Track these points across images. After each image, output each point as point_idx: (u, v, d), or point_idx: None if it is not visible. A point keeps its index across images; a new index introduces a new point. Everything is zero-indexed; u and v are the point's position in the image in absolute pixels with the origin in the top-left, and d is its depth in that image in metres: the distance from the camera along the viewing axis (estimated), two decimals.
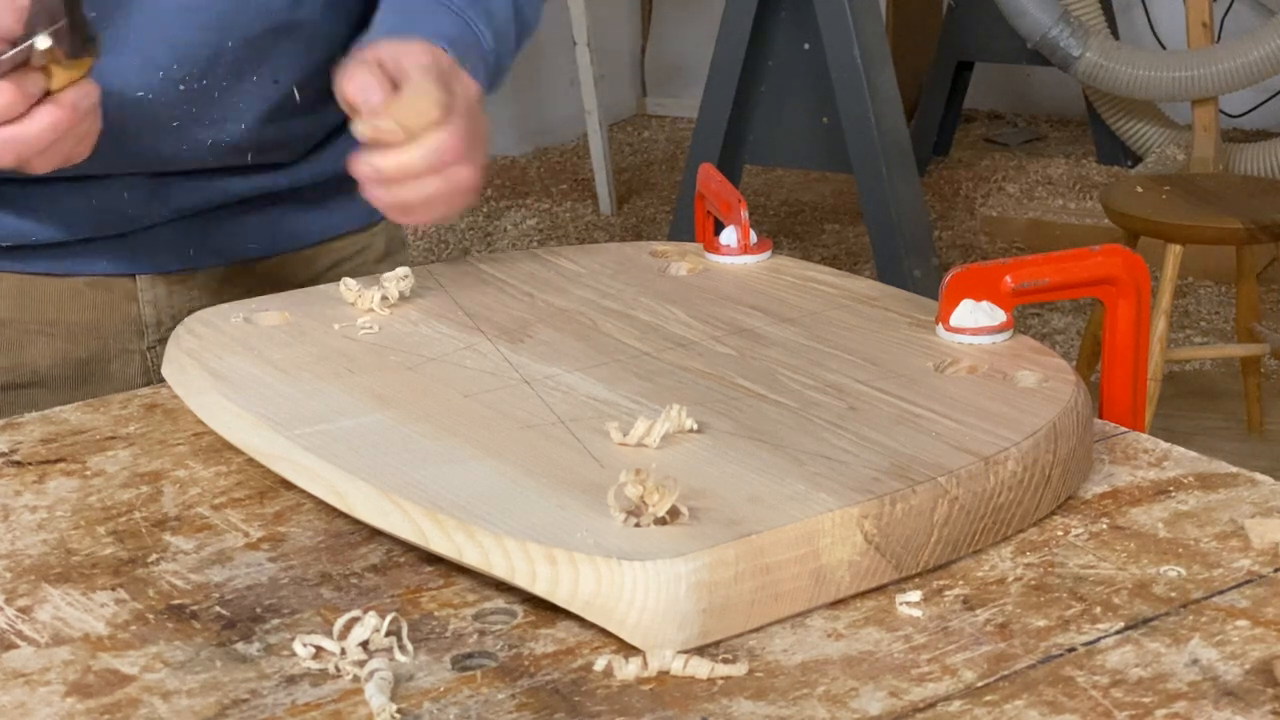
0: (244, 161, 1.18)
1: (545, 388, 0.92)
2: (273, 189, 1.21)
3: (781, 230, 4.44)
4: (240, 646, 0.73)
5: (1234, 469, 0.88)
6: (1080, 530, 0.82)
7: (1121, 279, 0.97)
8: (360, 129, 1.00)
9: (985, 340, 0.96)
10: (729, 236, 1.13)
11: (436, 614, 0.75)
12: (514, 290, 1.08)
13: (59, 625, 0.75)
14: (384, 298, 1.04)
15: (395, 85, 1.01)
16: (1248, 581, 0.77)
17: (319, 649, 0.72)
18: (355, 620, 0.72)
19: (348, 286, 1.05)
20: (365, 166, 1.01)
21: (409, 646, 0.72)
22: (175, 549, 0.82)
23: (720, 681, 0.70)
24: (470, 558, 0.76)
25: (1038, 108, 5.40)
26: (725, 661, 0.71)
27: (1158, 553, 0.80)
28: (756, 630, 0.74)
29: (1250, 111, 4.92)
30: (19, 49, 0.94)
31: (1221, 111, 4.39)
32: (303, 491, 0.85)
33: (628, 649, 0.72)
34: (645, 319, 1.02)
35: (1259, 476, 0.87)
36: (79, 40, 0.96)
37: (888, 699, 0.68)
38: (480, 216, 4.63)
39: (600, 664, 0.71)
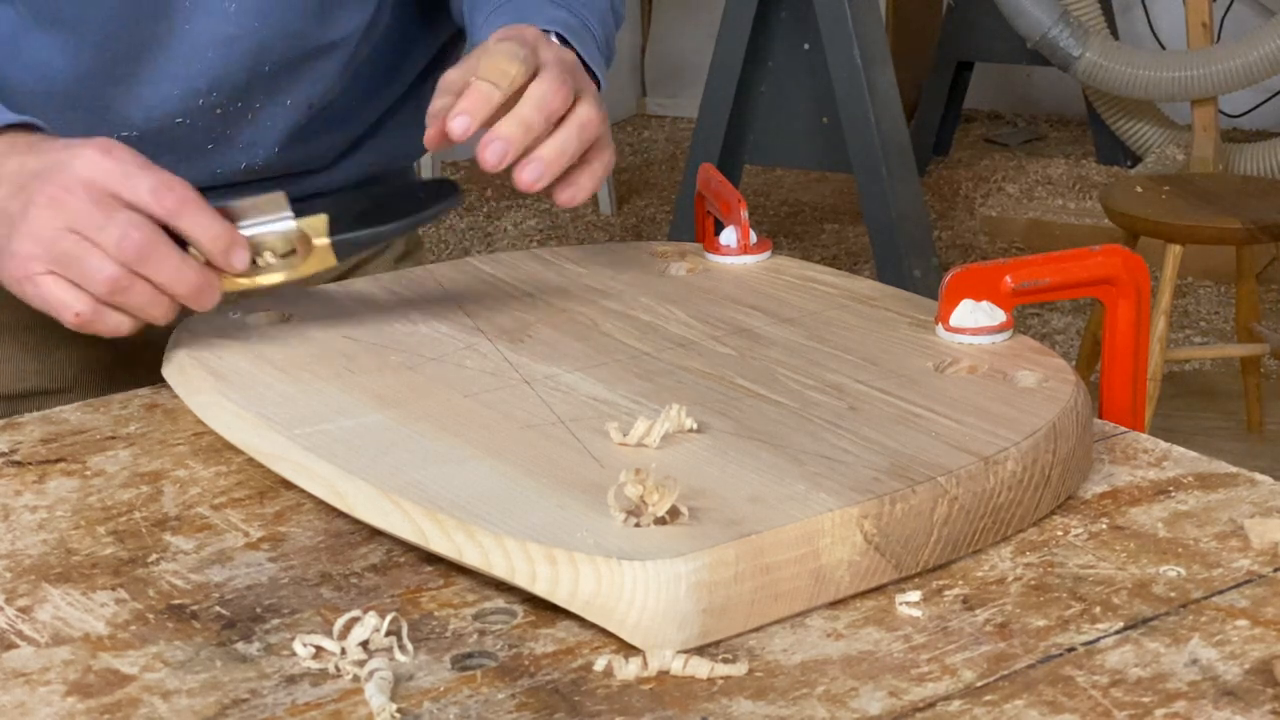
0: (273, 174, 1.18)
1: (545, 388, 0.92)
2: (299, 195, 1.21)
3: (781, 230, 4.44)
4: (240, 646, 0.73)
5: (1234, 469, 0.88)
6: (1080, 530, 0.82)
7: (1121, 279, 0.97)
8: (454, 126, 0.96)
9: (985, 340, 0.96)
10: (729, 236, 1.13)
11: (436, 614, 0.75)
12: (514, 290, 1.08)
13: (59, 625, 0.75)
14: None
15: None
16: (1247, 581, 0.77)
17: (319, 649, 0.72)
18: (355, 620, 0.72)
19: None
20: (490, 149, 0.96)
21: (409, 646, 0.72)
22: (175, 549, 0.82)
23: (720, 681, 0.70)
24: (470, 558, 0.76)
25: (1037, 108, 5.40)
26: (725, 661, 0.71)
27: (1157, 553, 0.80)
28: (756, 630, 0.74)
29: (1250, 111, 4.92)
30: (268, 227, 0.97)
31: (1221, 111, 4.39)
32: (303, 491, 0.85)
33: (628, 649, 0.72)
34: (645, 319, 1.02)
35: (1258, 476, 0.87)
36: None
37: (887, 699, 0.68)
38: (480, 217, 4.63)
39: (600, 664, 0.71)
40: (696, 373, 0.94)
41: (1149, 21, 5.02)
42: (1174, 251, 2.95)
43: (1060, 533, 0.82)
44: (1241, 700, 0.68)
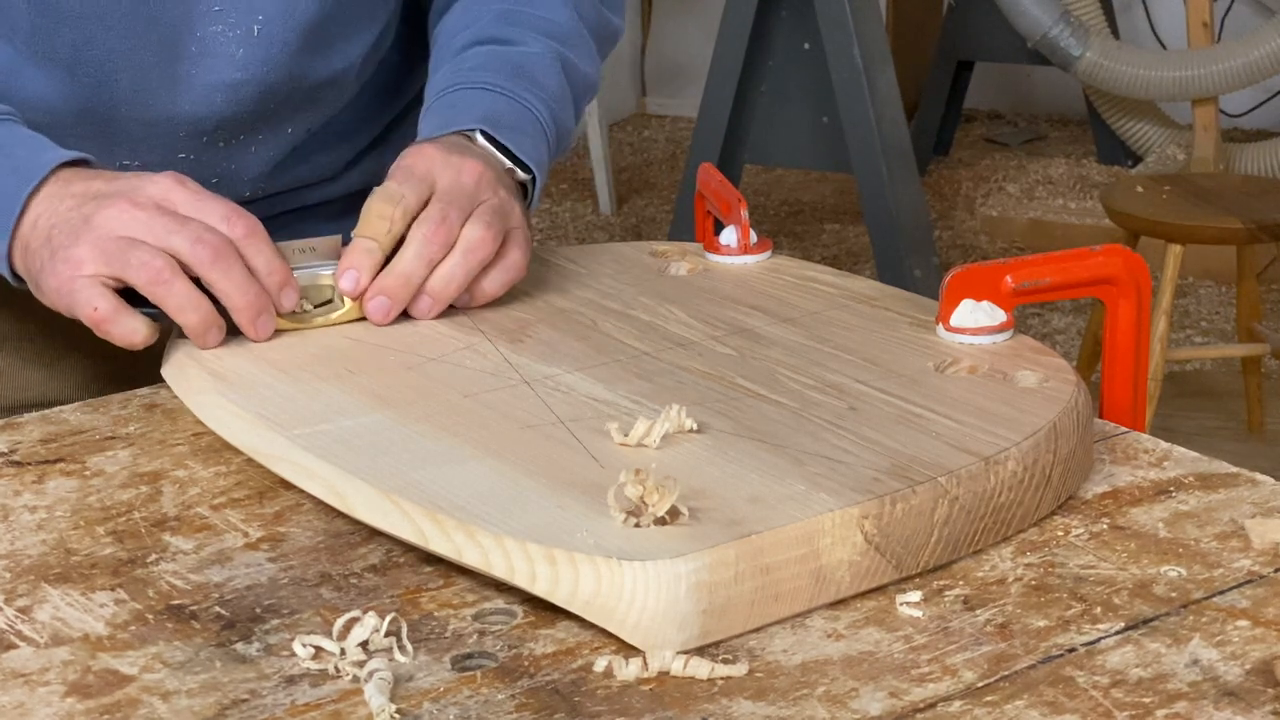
0: (275, 191, 1.19)
1: (545, 388, 0.92)
2: (300, 205, 1.21)
3: (781, 230, 4.44)
4: (240, 647, 0.73)
5: (1234, 469, 0.88)
6: (1080, 530, 0.82)
7: (1122, 279, 0.97)
8: (344, 283, 1.00)
9: (985, 340, 0.96)
10: (729, 236, 1.13)
11: (436, 614, 0.75)
12: (514, 290, 1.08)
13: (58, 625, 0.75)
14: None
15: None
16: (1248, 582, 0.77)
17: (318, 649, 0.72)
18: (355, 620, 0.72)
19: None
20: (372, 304, 1.00)
21: (409, 647, 0.72)
22: (175, 549, 0.82)
23: (720, 682, 0.70)
24: (470, 558, 0.76)
25: (1038, 107, 5.40)
26: (725, 662, 0.71)
27: (1158, 553, 0.80)
28: (756, 630, 0.74)
29: (1251, 111, 4.92)
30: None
31: (1222, 111, 4.39)
32: (302, 491, 0.85)
33: (628, 649, 0.72)
34: (645, 319, 1.02)
35: (1259, 476, 0.87)
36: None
37: (888, 699, 0.68)
38: None
39: (600, 664, 0.71)
40: (696, 373, 0.94)
41: (1150, 21, 5.01)
42: (1175, 251, 2.95)
43: (1061, 533, 0.82)
44: (1242, 701, 0.67)
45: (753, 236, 1.13)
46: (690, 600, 0.71)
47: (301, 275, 1.00)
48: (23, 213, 0.97)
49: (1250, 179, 3.35)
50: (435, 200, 1.01)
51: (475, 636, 0.73)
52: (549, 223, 4.59)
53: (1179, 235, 2.93)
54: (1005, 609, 0.75)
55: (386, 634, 0.72)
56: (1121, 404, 0.98)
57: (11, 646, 0.73)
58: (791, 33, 3.44)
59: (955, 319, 0.96)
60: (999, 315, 0.96)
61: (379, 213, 1.01)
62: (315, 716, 0.68)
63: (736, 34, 3.46)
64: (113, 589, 0.78)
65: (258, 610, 0.76)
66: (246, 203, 1.16)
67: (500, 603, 0.76)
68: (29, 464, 0.91)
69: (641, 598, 0.71)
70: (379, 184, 1.26)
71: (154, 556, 0.81)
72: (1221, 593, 0.76)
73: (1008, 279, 0.97)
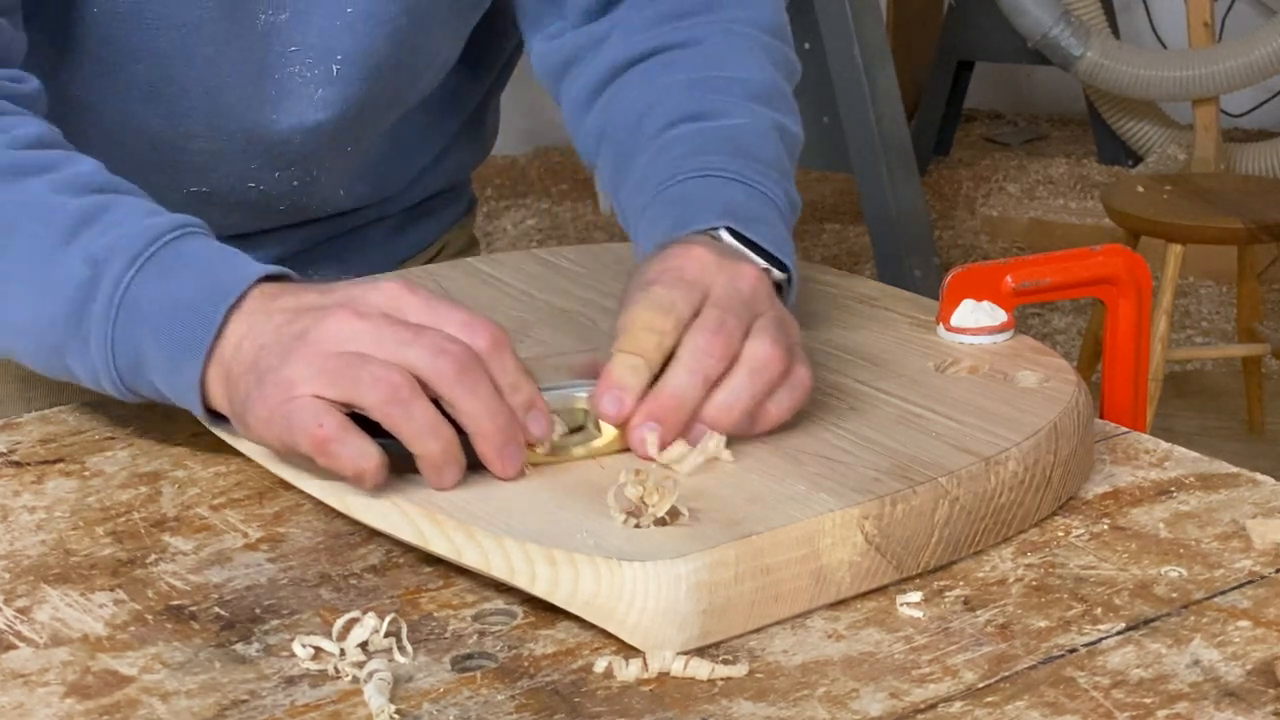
0: (339, 212, 1.17)
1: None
2: (359, 224, 1.20)
3: None
4: (239, 647, 0.73)
5: (1235, 469, 0.88)
6: (1081, 531, 0.82)
7: (1122, 279, 0.97)
8: (604, 407, 0.83)
9: (986, 340, 0.95)
10: None
11: (436, 615, 0.75)
12: (514, 290, 1.08)
13: (58, 626, 0.75)
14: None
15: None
16: (1249, 582, 0.77)
17: (318, 650, 0.72)
18: (354, 621, 0.72)
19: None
20: (638, 433, 0.82)
21: (408, 647, 0.72)
22: (174, 549, 0.82)
23: (720, 682, 0.70)
24: (470, 558, 0.75)
25: (1038, 107, 5.40)
26: (725, 662, 0.70)
27: (1159, 553, 0.80)
28: (757, 631, 0.73)
29: (1251, 111, 4.92)
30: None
31: (1222, 111, 4.39)
32: (302, 492, 0.85)
33: (628, 650, 0.72)
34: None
35: (1260, 477, 0.87)
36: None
37: (888, 700, 0.68)
38: (480, 217, 4.62)
39: (600, 665, 0.71)
40: None
41: (1150, 21, 5.01)
42: (1175, 251, 2.95)
43: (1061, 533, 0.82)
44: (1243, 701, 0.67)
45: None
46: (690, 601, 0.71)
47: (552, 397, 0.83)
48: (221, 335, 0.82)
49: (1251, 179, 3.35)
50: (710, 307, 0.84)
51: (475, 637, 0.73)
52: (549, 223, 4.59)
53: (1179, 235, 2.93)
54: (1006, 609, 0.75)
55: (386, 634, 0.72)
56: (1122, 404, 0.98)
57: (11, 647, 0.73)
58: (792, 33, 3.43)
59: (956, 319, 0.96)
60: (999, 315, 0.96)
61: (646, 324, 0.83)
62: (315, 717, 0.68)
63: None
64: (112, 589, 0.78)
65: (257, 611, 0.76)
66: (307, 223, 1.16)
67: (500, 603, 0.76)
68: (28, 464, 0.91)
69: (641, 598, 0.71)
70: (441, 189, 1.23)
71: (153, 557, 0.81)
72: (1222, 593, 0.76)
73: (1008, 279, 0.97)
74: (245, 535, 0.83)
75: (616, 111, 1.06)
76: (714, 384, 0.82)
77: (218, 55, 1.03)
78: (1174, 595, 0.76)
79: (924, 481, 0.78)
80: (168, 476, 0.90)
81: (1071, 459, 0.84)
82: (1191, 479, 0.87)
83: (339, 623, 0.72)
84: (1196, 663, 0.70)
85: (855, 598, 0.76)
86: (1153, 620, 0.74)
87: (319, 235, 1.17)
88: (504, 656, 0.72)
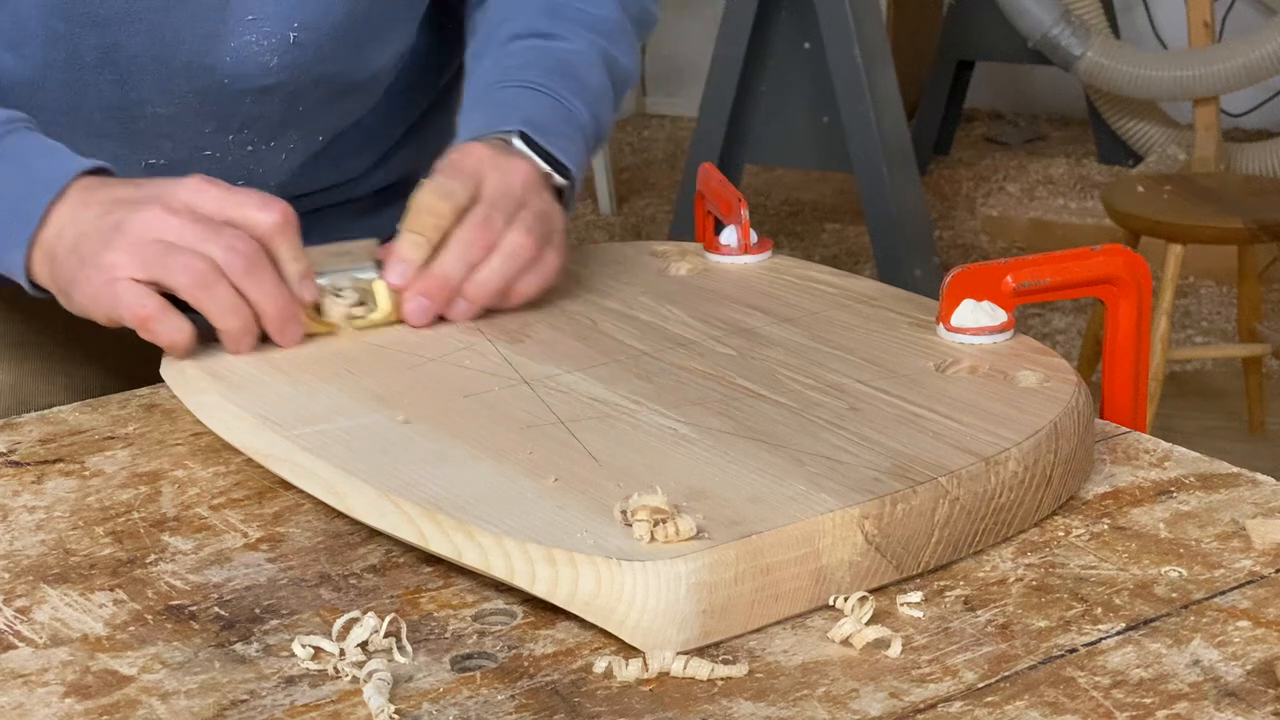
0: (302, 192, 1.18)
1: (545, 388, 0.91)
2: (326, 204, 1.21)
3: (781, 230, 4.44)
4: (239, 647, 0.73)
5: (1235, 469, 0.88)
6: (1081, 531, 0.82)
7: (1122, 279, 0.97)
8: (392, 276, 1.00)
9: (986, 340, 0.95)
10: (729, 236, 1.13)
11: (436, 615, 0.75)
12: None
13: (57, 626, 0.75)
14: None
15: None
16: (1249, 582, 0.77)
17: (318, 650, 0.72)
18: (354, 621, 0.72)
19: None
20: (411, 305, 1.00)
21: (408, 647, 0.72)
22: (174, 549, 0.82)
23: (720, 682, 0.70)
24: (470, 558, 0.75)
25: (1039, 107, 5.40)
26: (725, 662, 0.70)
27: (1159, 553, 0.80)
28: (757, 631, 0.73)
29: (1252, 111, 4.92)
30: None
31: (1223, 111, 4.39)
32: (301, 492, 0.85)
33: (628, 650, 0.72)
34: (645, 319, 1.02)
35: (1260, 477, 0.87)
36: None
37: (888, 700, 0.68)
38: None
39: (600, 665, 0.70)
40: (696, 373, 0.94)
41: (1150, 20, 5.01)
42: (1175, 251, 2.95)
43: (1061, 533, 0.82)
44: (1243, 701, 0.67)
45: (753, 236, 1.13)
46: (690, 600, 0.71)
47: (336, 278, 0.99)
48: (44, 223, 0.95)
49: (1251, 179, 3.35)
50: (481, 202, 1.00)
51: (475, 637, 0.73)
52: None
53: (1180, 235, 2.93)
54: (1006, 609, 0.75)
55: (386, 634, 0.72)
56: (1122, 404, 0.97)
57: (10, 647, 0.73)
58: (791, 33, 3.44)
59: (956, 319, 0.96)
60: (999, 315, 0.96)
61: (430, 208, 1.00)
62: (314, 717, 0.68)
63: (736, 34, 3.46)
64: (112, 589, 0.78)
65: (257, 611, 0.76)
66: None
67: (500, 603, 0.76)
68: (28, 464, 0.91)
69: (641, 598, 0.71)
70: (405, 177, 1.26)
71: (153, 557, 0.81)
72: (1222, 593, 0.76)
73: (1008, 279, 0.97)
74: (245, 535, 0.83)
75: (483, 20, 1.19)
76: (475, 267, 1.00)
77: (168, 19, 1.05)
78: (1174, 595, 0.76)
79: (924, 481, 0.78)
80: (167, 476, 0.89)
81: (1071, 459, 0.84)
82: (1191, 479, 0.87)
83: (339, 623, 0.72)
84: (1196, 663, 0.70)
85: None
86: (1153, 620, 0.74)
87: None
88: (504, 656, 0.72)
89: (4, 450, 0.93)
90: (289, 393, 0.91)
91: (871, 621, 0.73)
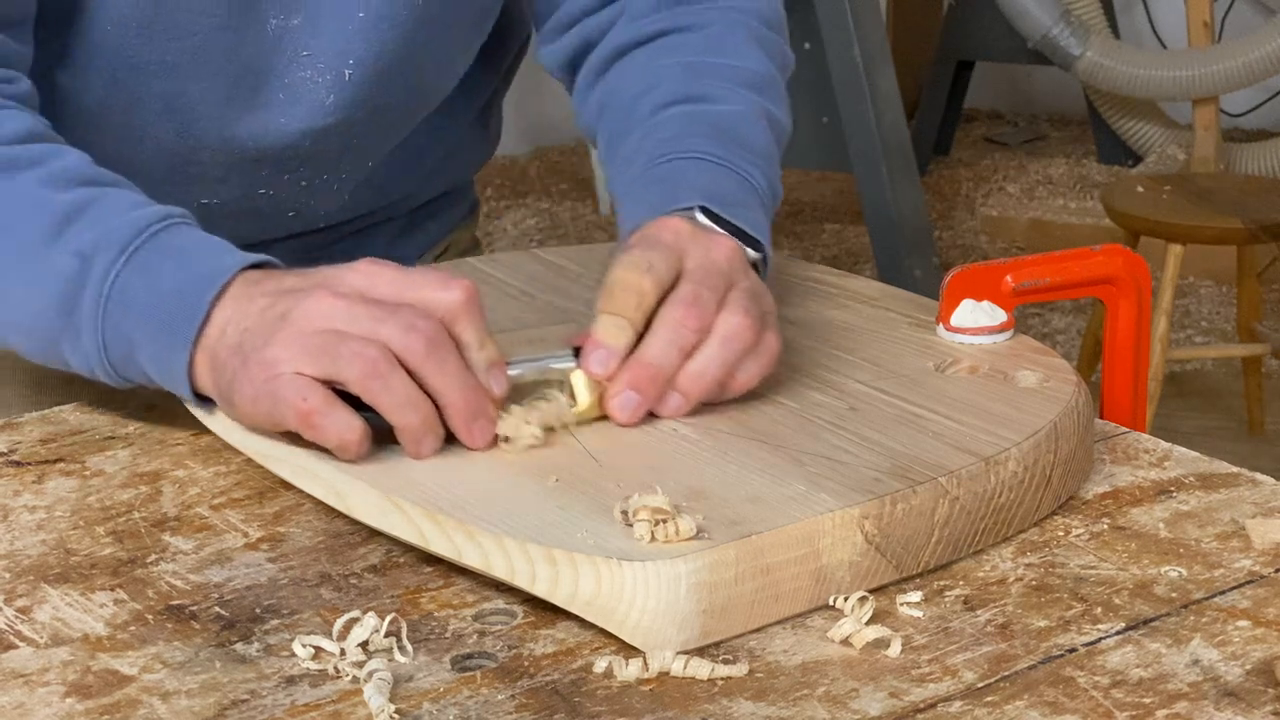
0: (347, 219, 1.17)
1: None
2: (366, 226, 1.20)
3: (781, 230, 4.44)
4: (239, 647, 0.73)
5: (1235, 469, 0.88)
6: (1081, 530, 0.82)
7: (1122, 279, 0.97)
8: (593, 365, 0.86)
9: (986, 340, 0.95)
10: None
11: (436, 614, 0.75)
12: (514, 290, 1.08)
13: (58, 626, 0.75)
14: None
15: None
16: (1249, 582, 0.77)
17: (318, 650, 0.72)
18: (355, 621, 0.72)
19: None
20: (618, 400, 0.85)
21: (408, 647, 0.72)
22: (174, 549, 0.82)
23: (720, 682, 0.70)
24: (470, 558, 0.75)
25: (1038, 107, 5.40)
26: (725, 662, 0.70)
27: (1159, 553, 0.80)
28: (757, 631, 0.74)
29: (1251, 111, 4.92)
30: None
31: (1222, 111, 4.39)
32: (302, 492, 0.85)
33: (628, 650, 0.72)
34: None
35: (1260, 476, 0.87)
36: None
37: (888, 700, 0.68)
38: (480, 217, 4.62)
39: (600, 665, 0.71)
40: None
41: (1150, 20, 5.01)
42: (1175, 251, 2.95)
43: (1061, 533, 0.82)
44: (1243, 701, 0.67)
45: None
46: (690, 600, 0.71)
47: (529, 369, 0.87)
48: (207, 321, 0.85)
49: (1251, 179, 3.35)
50: (685, 279, 0.87)
51: (475, 637, 0.73)
52: (549, 222, 4.59)
53: (1179, 235, 2.93)
54: (1005, 609, 0.75)
55: (386, 634, 0.72)
56: (1122, 404, 0.98)
57: (11, 647, 0.73)
58: (791, 33, 3.43)
59: (955, 319, 0.96)
60: (999, 315, 0.96)
61: (626, 284, 0.86)
62: (315, 717, 0.68)
63: None
64: (112, 589, 0.78)
65: (257, 610, 0.76)
66: (318, 230, 1.16)
67: (500, 603, 0.76)
68: (29, 464, 0.91)
69: (641, 598, 0.71)
70: (445, 190, 1.23)
71: (154, 557, 0.81)
72: (1222, 593, 0.76)
73: (1008, 279, 0.97)
74: (245, 535, 0.83)
75: (616, 89, 1.09)
76: (688, 353, 0.86)
77: (229, 63, 1.03)
78: (1174, 595, 0.76)
79: (924, 481, 0.78)
80: (168, 476, 0.90)
81: (1071, 459, 0.84)
82: (1191, 479, 0.87)
83: (339, 623, 0.72)
84: (1196, 663, 0.70)
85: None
86: (1152, 620, 0.74)
87: (326, 239, 1.17)
88: (504, 656, 0.72)
89: (4, 450, 0.93)
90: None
91: (871, 621, 0.73)
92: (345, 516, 0.82)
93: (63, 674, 0.71)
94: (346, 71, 1.05)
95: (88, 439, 0.94)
